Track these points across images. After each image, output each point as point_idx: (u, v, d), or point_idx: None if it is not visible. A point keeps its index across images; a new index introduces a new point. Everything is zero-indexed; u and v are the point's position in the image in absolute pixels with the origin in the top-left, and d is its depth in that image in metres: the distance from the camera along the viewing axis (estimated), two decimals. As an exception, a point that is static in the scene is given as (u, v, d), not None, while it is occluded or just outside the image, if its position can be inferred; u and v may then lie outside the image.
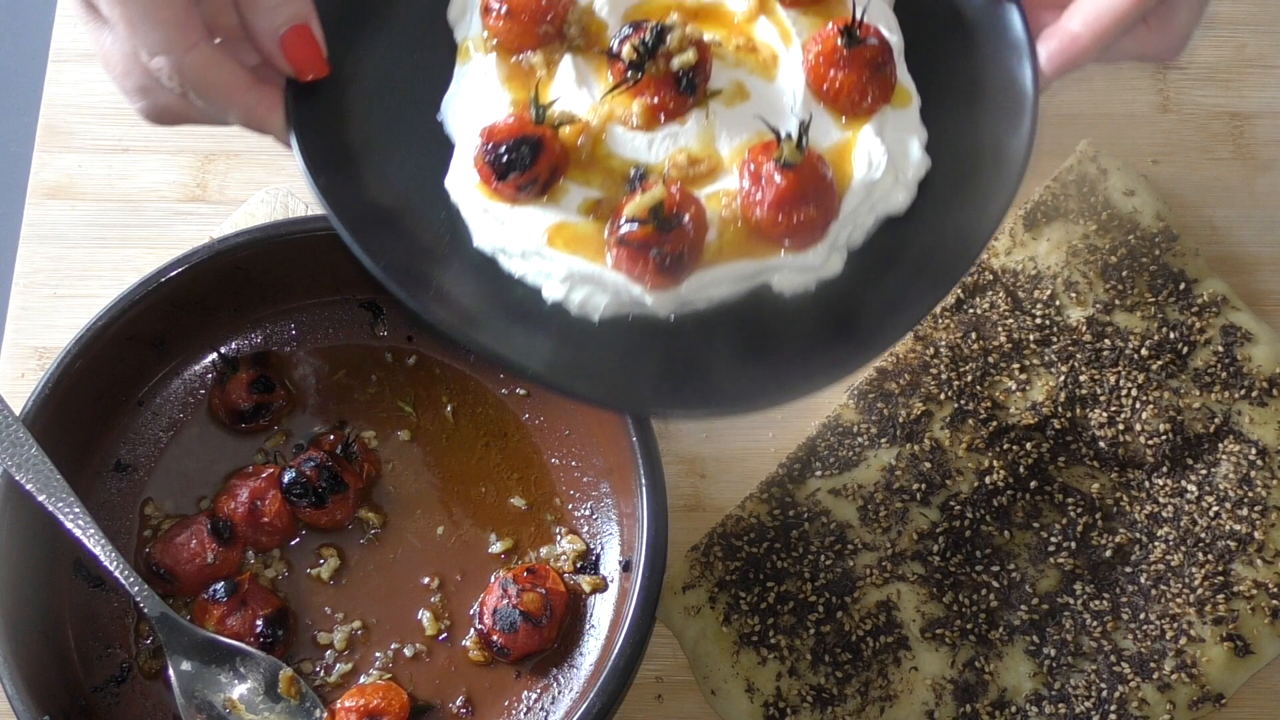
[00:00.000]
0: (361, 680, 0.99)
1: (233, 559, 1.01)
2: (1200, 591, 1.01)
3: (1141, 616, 1.01)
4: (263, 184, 1.19)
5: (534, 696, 0.99)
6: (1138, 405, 1.06)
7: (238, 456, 1.06)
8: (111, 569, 0.96)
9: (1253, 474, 1.04)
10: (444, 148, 0.90)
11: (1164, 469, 1.05)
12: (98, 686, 0.99)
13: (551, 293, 0.85)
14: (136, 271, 1.05)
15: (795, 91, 0.89)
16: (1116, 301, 1.10)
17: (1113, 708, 0.98)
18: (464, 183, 0.87)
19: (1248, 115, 1.24)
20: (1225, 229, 1.19)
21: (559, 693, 0.99)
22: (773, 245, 0.85)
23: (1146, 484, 1.05)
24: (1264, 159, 1.22)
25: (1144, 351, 1.08)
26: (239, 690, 0.97)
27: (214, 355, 1.08)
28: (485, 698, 0.99)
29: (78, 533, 0.96)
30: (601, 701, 0.91)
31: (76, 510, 0.96)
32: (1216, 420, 1.06)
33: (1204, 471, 1.05)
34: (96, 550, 0.96)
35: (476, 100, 0.90)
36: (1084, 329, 1.09)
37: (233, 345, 1.09)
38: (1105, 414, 1.06)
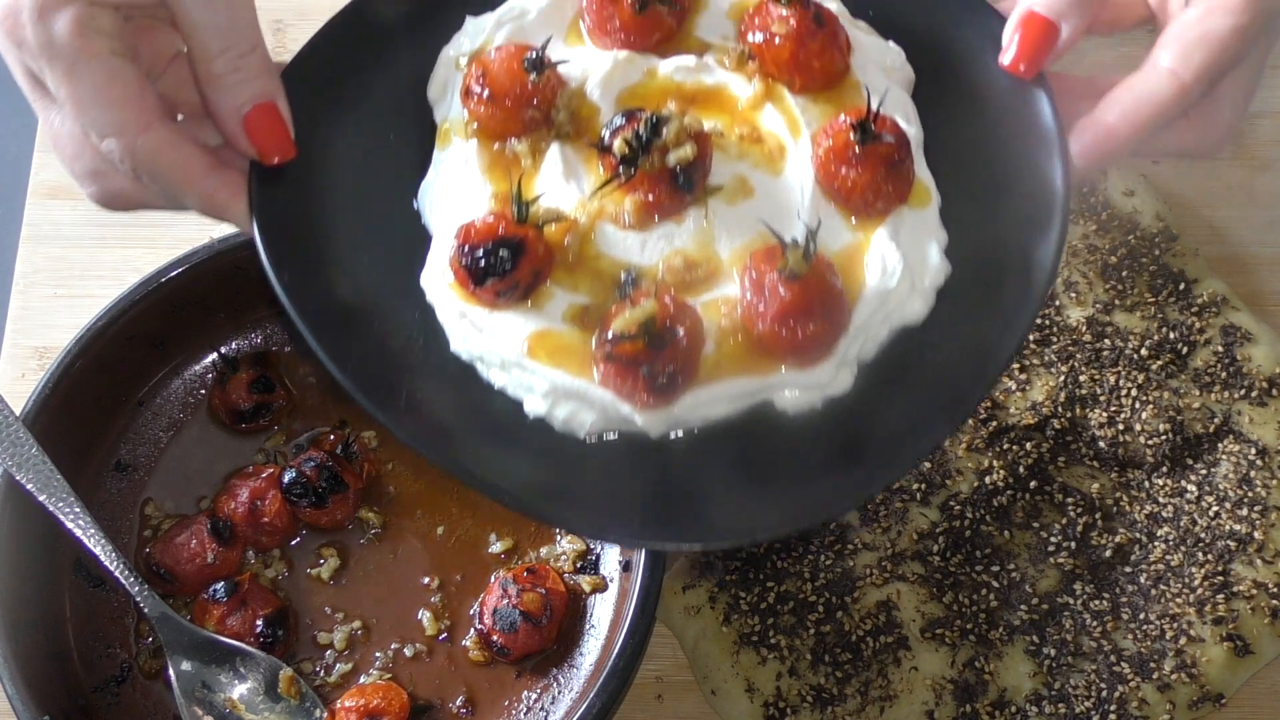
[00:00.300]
0: (361, 680, 0.99)
1: (233, 559, 1.01)
2: (1200, 591, 1.01)
3: (1141, 616, 1.01)
4: (263, 184, 1.19)
5: (534, 696, 0.99)
6: (1138, 405, 1.06)
7: (238, 456, 1.06)
8: (111, 569, 0.96)
9: (1253, 474, 1.04)
10: (420, 239, 0.83)
11: (1164, 469, 1.05)
12: (98, 686, 0.99)
13: (533, 407, 0.78)
14: (136, 271, 1.05)
15: (803, 188, 0.81)
16: (1116, 301, 1.10)
17: (1112, 708, 0.98)
18: (440, 282, 0.80)
19: (1248, 115, 1.24)
20: (1225, 229, 1.19)
21: (559, 693, 0.99)
22: (776, 360, 0.77)
23: (1146, 484, 1.05)
24: (1264, 159, 1.22)
25: (1144, 351, 1.08)
26: (239, 690, 0.97)
27: (214, 355, 1.08)
28: (485, 698, 0.99)
29: (78, 533, 0.96)
30: (601, 701, 0.91)
31: (76, 510, 0.96)
32: (1216, 420, 1.06)
33: (1204, 471, 1.05)
34: (96, 550, 0.96)
35: (456, 189, 0.83)
36: (1084, 329, 1.09)
37: (233, 345, 1.09)
38: (1105, 414, 1.06)
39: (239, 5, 0.79)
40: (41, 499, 0.95)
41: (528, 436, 0.78)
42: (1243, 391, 1.07)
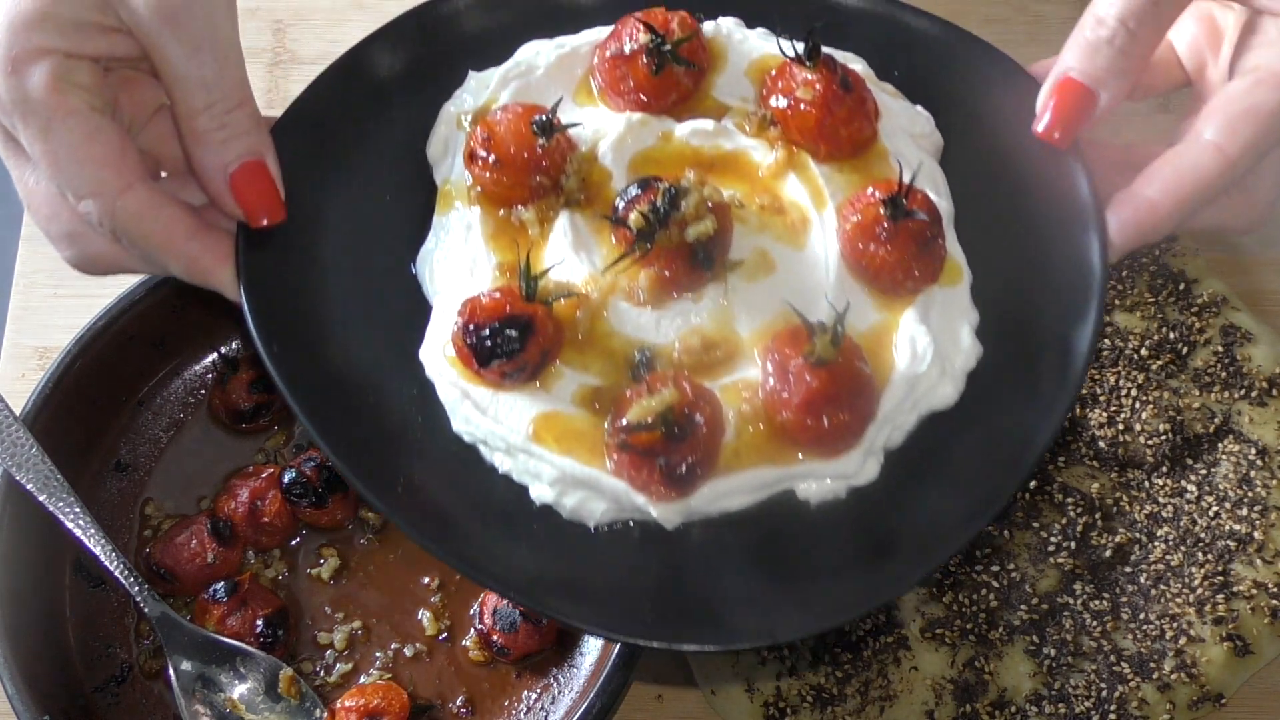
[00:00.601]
0: (361, 680, 0.99)
1: (233, 559, 1.01)
2: (1200, 591, 1.01)
3: (1141, 616, 1.01)
4: (263, 184, 1.19)
5: (534, 696, 0.99)
6: (1137, 405, 1.06)
7: (238, 456, 1.06)
8: (111, 569, 0.96)
9: (1252, 474, 1.04)
10: (419, 309, 0.79)
11: (1164, 469, 1.05)
12: (98, 686, 0.99)
13: (540, 495, 0.75)
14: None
15: (829, 265, 0.77)
16: (1116, 301, 1.10)
17: (1112, 708, 0.98)
18: (441, 358, 0.76)
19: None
20: (1225, 229, 1.19)
21: (559, 693, 0.99)
22: (799, 449, 0.74)
23: (1146, 484, 1.05)
24: (1264, 159, 1.22)
25: (1144, 351, 1.08)
26: (239, 690, 0.97)
27: (214, 355, 1.08)
28: (485, 698, 0.99)
29: (78, 532, 0.96)
30: (601, 701, 0.91)
31: (77, 510, 0.96)
32: (1216, 420, 1.06)
33: (1204, 471, 1.05)
34: (97, 550, 0.96)
35: (457, 258, 0.79)
36: (1084, 329, 1.09)
37: (233, 345, 1.09)
38: (1105, 414, 1.06)
39: (227, 58, 0.75)
40: (41, 499, 0.95)
41: (533, 525, 0.75)
42: (1243, 391, 1.07)
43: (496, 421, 0.75)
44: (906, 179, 0.76)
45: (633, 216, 0.75)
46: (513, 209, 0.80)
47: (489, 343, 0.73)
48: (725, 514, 0.75)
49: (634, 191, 0.76)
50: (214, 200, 0.78)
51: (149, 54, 0.75)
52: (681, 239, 0.74)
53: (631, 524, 0.75)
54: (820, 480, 0.75)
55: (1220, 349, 1.09)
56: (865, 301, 0.77)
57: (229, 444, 1.07)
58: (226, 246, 0.78)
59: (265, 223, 0.77)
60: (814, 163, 0.81)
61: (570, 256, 0.77)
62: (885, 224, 0.76)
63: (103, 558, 0.96)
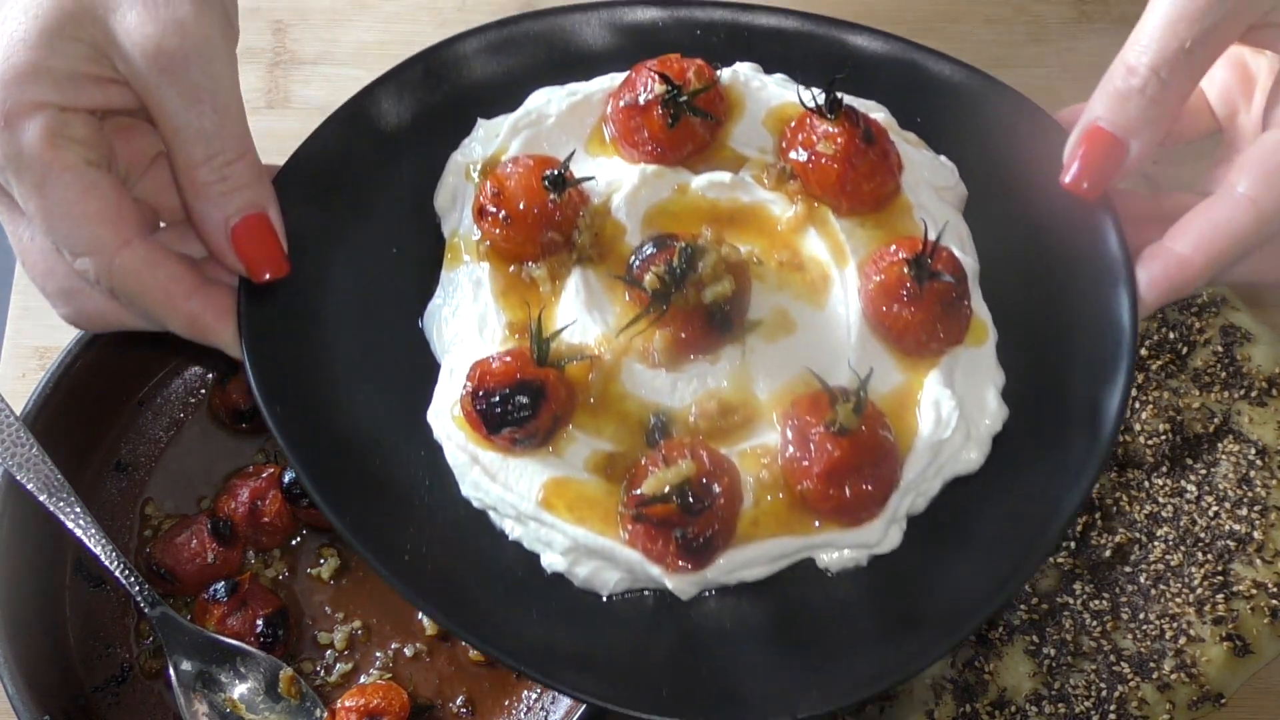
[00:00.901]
0: (362, 680, 0.99)
1: (233, 559, 1.01)
2: (1200, 591, 1.01)
3: (1141, 616, 1.01)
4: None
5: (534, 696, 0.99)
6: (1137, 405, 1.06)
7: (238, 456, 1.06)
8: (112, 568, 0.96)
9: (1252, 474, 1.04)
10: (426, 367, 0.77)
11: (1163, 469, 1.06)
12: (98, 686, 0.99)
13: (552, 563, 0.73)
14: (137, 271, 1.05)
15: (850, 325, 0.75)
16: (1116, 301, 1.10)
17: (1112, 707, 0.98)
18: (449, 419, 0.75)
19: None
20: (1225, 229, 1.19)
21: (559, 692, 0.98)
22: (819, 518, 0.72)
23: (1146, 484, 1.06)
24: (1264, 159, 1.22)
25: (1144, 351, 1.08)
26: (239, 690, 0.97)
27: (214, 355, 1.08)
28: (485, 698, 0.99)
29: (78, 532, 0.96)
30: (601, 701, 0.91)
31: (77, 510, 0.96)
32: (1216, 420, 1.06)
33: (1203, 471, 1.05)
34: (97, 550, 0.96)
35: (466, 315, 0.77)
36: (1084, 329, 1.09)
37: (233, 345, 1.09)
38: (1105, 414, 1.06)
39: (227, 109, 0.73)
40: (42, 499, 0.95)
41: (544, 594, 0.73)
42: (1242, 391, 1.07)
43: (506, 489, 0.73)
44: (932, 238, 0.74)
45: (648, 277, 0.73)
46: (523, 265, 0.78)
47: (499, 409, 0.71)
48: (742, 583, 0.73)
49: (649, 250, 0.74)
50: (215, 254, 0.76)
51: (147, 105, 0.73)
52: (698, 300, 0.72)
53: (646, 593, 0.73)
54: (840, 550, 0.73)
55: (1220, 349, 1.09)
56: (887, 362, 0.75)
57: (229, 444, 1.07)
58: (228, 302, 0.76)
59: (268, 277, 0.76)
60: (835, 218, 0.78)
61: (583, 316, 0.75)
62: (909, 285, 0.74)
63: (103, 558, 0.96)
